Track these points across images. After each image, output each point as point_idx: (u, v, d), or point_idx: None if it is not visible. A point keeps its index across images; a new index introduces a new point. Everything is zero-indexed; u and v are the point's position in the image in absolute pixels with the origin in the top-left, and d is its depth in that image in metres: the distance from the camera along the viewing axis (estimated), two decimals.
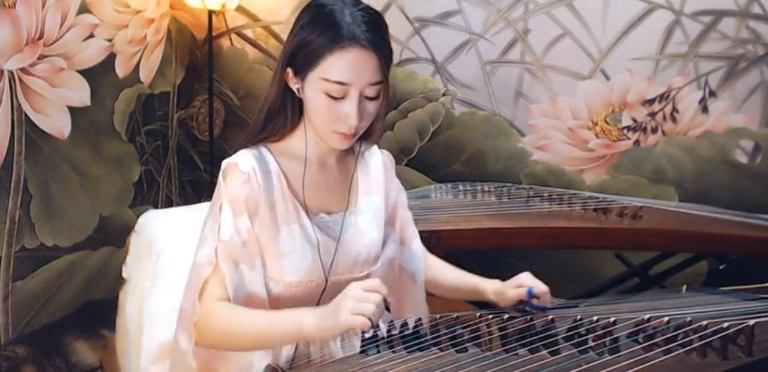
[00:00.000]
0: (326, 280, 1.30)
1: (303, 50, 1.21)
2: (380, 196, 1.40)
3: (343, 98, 1.20)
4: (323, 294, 1.31)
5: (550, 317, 1.29)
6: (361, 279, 1.36)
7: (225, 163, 1.27)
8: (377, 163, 1.42)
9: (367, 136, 1.33)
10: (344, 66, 1.18)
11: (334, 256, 1.30)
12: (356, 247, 1.34)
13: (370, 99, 1.22)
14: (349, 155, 1.38)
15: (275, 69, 1.27)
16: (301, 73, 1.22)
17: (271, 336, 1.20)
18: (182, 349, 1.28)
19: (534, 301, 1.37)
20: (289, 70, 1.24)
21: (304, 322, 1.14)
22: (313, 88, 1.21)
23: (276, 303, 1.29)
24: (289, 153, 1.31)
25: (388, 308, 1.13)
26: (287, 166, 1.30)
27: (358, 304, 1.08)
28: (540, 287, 1.37)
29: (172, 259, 1.50)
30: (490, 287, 1.43)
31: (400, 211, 1.48)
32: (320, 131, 1.26)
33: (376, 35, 1.20)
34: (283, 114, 1.28)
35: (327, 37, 1.18)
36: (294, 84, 1.25)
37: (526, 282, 1.38)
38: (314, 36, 1.19)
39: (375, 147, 1.43)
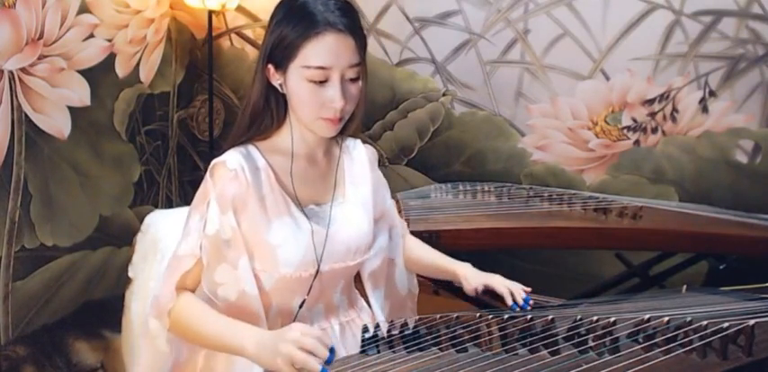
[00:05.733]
0: (318, 269, 1.32)
1: (281, 44, 1.24)
2: (367, 186, 1.43)
3: (325, 82, 1.23)
4: (313, 283, 1.33)
5: (550, 317, 1.29)
6: (354, 267, 1.40)
7: (212, 163, 1.30)
8: (360, 154, 1.45)
9: (346, 129, 1.34)
10: (323, 51, 1.21)
11: (324, 245, 1.33)
12: (346, 236, 1.36)
13: (352, 80, 1.25)
14: (334, 149, 1.41)
15: (255, 68, 1.30)
16: (282, 66, 1.25)
17: (217, 345, 1.23)
18: (152, 335, 1.32)
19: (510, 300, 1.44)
20: (270, 67, 1.27)
21: (245, 346, 1.15)
22: (295, 78, 1.24)
23: (268, 295, 1.32)
24: (276, 149, 1.33)
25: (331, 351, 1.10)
26: (275, 162, 1.32)
27: (294, 351, 1.07)
28: (499, 289, 1.46)
29: None
30: (461, 271, 1.52)
31: (383, 201, 1.52)
32: (307, 120, 1.28)
33: (349, 19, 1.24)
34: (268, 112, 1.31)
35: (303, 26, 1.21)
36: (276, 80, 1.28)
37: (493, 284, 1.47)
38: (289, 29, 1.23)
39: (358, 141, 1.46)
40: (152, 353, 1.34)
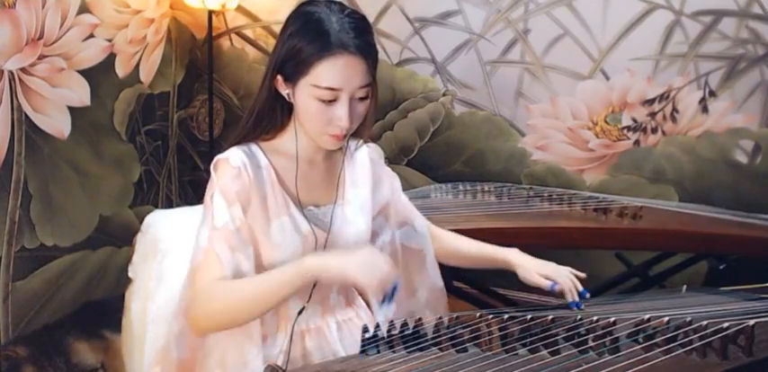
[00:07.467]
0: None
1: (293, 59, 1.23)
2: (367, 188, 1.43)
3: (334, 101, 1.23)
4: (315, 284, 1.32)
5: (550, 317, 1.29)
6: None
7: (216, 159, 1.30)
8: (363, 156, 1.45)
9: (357, 133, 1.35)
10: (335, 73, 1.21)
11: (324, 246, 1.33)
12: (344, 237, 1.37)
13: (361, 99, 1.25)
14: (337, 151, 1.41)
15: (264, 75, 1.30)
16: (291, 80, 1.25)
17: (273, 288, 1.21)
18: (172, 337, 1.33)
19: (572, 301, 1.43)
20: (279, 77, 1.27)
21: (306, 259, 1.19)
22: (304, 94, 1.24)
23: None
24: (279, 150, 1.34)
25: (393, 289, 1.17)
26: (277, 162, 1.33)
27: (372, 267, 1.14)
28: (563, 284, 1.45)
29: (177, 259, 1.51)
30: (515, 258, 1.49)
31: (396, 196, 1.52)
32: (312, 134, 1.29)
33: (363, 40, 1.23)
34: (272, 117, 1.32)
35: (317, 45, 1.21)
36: (284, 90, 1.28)
37: (552, 275, 1.46)
38: (303, 44, 1.22)
39: (361, 142, 1.46)
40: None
